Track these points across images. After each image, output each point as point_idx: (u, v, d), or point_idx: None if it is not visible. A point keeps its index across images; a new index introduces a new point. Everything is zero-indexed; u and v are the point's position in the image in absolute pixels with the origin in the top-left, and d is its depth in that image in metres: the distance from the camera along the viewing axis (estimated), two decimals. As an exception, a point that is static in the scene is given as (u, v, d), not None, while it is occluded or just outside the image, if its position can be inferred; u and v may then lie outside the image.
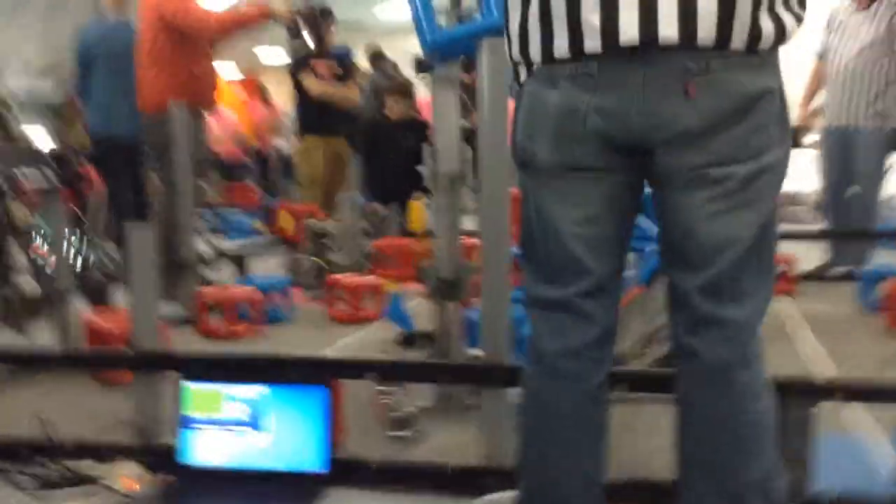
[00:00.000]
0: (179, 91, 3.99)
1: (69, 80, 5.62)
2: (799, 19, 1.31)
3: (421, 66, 2.42)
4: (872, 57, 4.36)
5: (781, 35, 1.29)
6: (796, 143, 6.14)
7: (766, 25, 1.27)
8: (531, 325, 1.46)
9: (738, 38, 1.26)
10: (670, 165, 1.30)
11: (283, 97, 13.89)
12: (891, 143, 4.41)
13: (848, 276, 4.22)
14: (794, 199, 6.90)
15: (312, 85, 5.16)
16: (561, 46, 1.32)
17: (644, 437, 2.15)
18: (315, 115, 5.18)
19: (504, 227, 2.01)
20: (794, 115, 6.22)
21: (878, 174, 4.45)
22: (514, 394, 2.07)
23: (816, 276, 4.45)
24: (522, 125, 1.41)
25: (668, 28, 1.25)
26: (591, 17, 1.28)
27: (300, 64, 5.23)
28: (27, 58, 14.16)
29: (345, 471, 1.98)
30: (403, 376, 2.24)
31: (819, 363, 2.90)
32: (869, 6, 4.41)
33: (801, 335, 3.30)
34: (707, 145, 1.27)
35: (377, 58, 7.72)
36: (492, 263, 2.00)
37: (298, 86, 5.22)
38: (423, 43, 2.24)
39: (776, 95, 1.31)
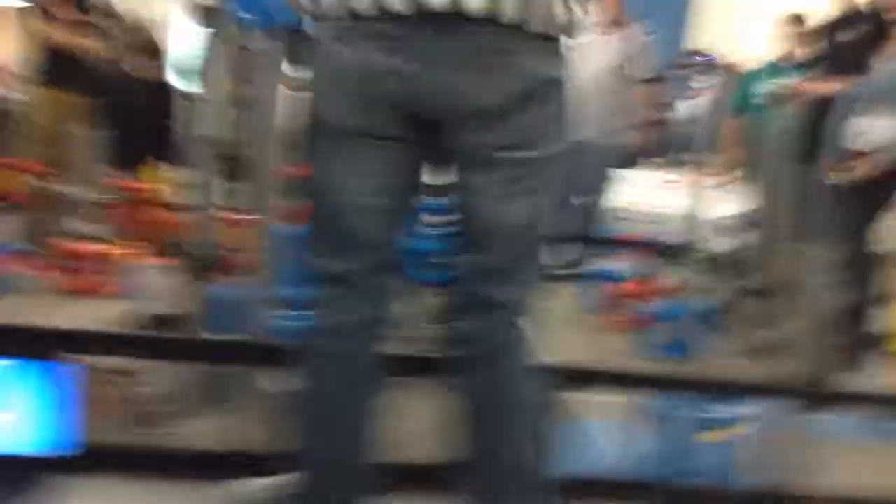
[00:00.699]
0: None
1: None
2: (580, 16, 1.39)
3: (210, 19, 2.27)
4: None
5: (573, 26, 1.35)
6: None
7: (561, 13, 1.32)
8: (314, 300, 1.44)
9: (539, 21, 1.30)
10: (462, 143, 1.32)
11: (8, 42, 12.57)
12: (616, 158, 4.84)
13: (570, 277, 4.55)
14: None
15: (42, 30, 4.71)
16: (364, 2, 1.28)
17: (409, 421, 2.19)
18: (49, 65, 4.73)
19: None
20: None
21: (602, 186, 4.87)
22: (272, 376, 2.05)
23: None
24: (315, 84, 1.36)
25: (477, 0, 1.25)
26: None
27: (34, 13, 4.76)
28: None
29: (88, 456, 1.83)
30: (149, 353, 2.10)
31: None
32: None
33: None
34: (499, 126, 1.30)
35: None
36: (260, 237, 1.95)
37: (29, 31, 4.74)
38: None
39: (563, 87, 1.37)
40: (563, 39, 1.36)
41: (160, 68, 5.38)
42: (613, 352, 3.23)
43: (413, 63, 1.27)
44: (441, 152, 1.36)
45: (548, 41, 1.32)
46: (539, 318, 1.42)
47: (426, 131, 1.33)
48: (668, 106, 6.70)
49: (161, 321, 2.76)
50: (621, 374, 2.17)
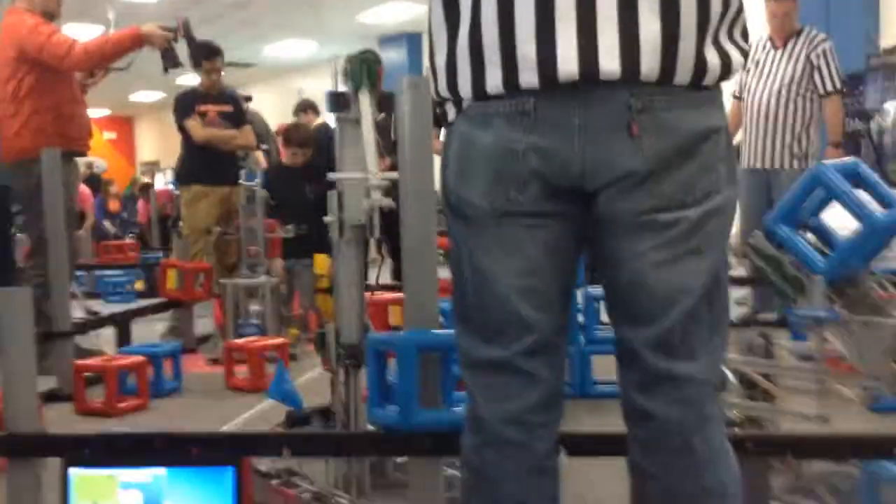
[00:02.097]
0: (47, 135, 3.90)
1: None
2: (744, 53, 1.36)
3: (337, 103, 2.39)
4: (790, 96, 4.60)
5: (727, 69, 1.32)
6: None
7: (712, 58, 1.30)
8: (467, 391, 1.44)
9: (683, 72, 1.28)
10: (614, 210, 1.31)
11: (154, 138, 13.67)
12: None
13: (778, 323, 4.35)
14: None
15: (197, 129, 5.10)
16: (494, 81, 1.32)
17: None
18: (202, 161, 5.12)
19: (431, 280, 2.00)
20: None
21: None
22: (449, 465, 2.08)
23: (742, 324, 4.53)
24: (453, 169, 1.40)
25: (610, 61, 1.25)
26: (527, 48, 1.28)
27: (185, 106, 5.16)
28: None
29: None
30: (336, 451, 2.17)
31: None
32: (785, 45, 4.66)
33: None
34: (652, 188, 1.28)
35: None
36: (416, 322, 1.99)
37: (183, 129, 5.15)
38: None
39: (722, 134, 1.34)
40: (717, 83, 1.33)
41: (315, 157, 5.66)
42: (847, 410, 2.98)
43: (552, 136, 1.28)
44: (593, 223, 1.35)
45: (698, 90, 1.30)
46: (728, 387, 1.37)
47: (575, 203, 1.33)
48: (869, 114, 6.36)
49: (308, 419, 2.81)
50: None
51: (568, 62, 1.26)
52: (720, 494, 1.34)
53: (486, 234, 1.37)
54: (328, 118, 6.89)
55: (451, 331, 1.49)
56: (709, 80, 1.30)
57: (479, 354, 1.41)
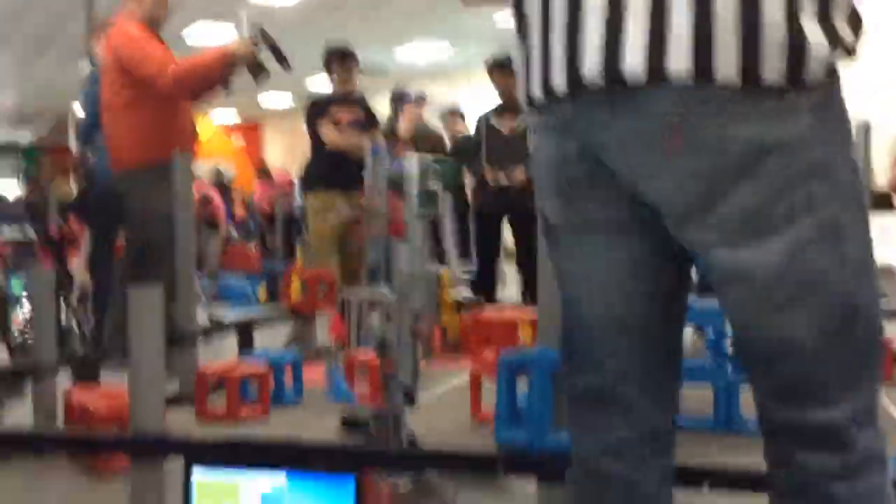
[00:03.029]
0: (155, 144, 4.03)
1: (51, 128, 5.77)
2: (847, 49, 1.13)
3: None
4: None
5: (801, 60, 1.07)
6: (888, 206, 6.12)
7: (776, 44, 1.06)
8: (569, 422, 1.38)
9: (727, 66, 1.07)
10: (687, 242, 1.17)
11: (283, 145, 14.14)
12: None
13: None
14: (887, 273, 6.84)
15: (331, 135, 5.21)
16: (535, 85, 1.24)
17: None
18: (332, 167, 5.22)
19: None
20: (883, 178, 6.24)
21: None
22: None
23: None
24: (535, 181, 1.33)
25: (634, 58, 1.10)
26: (557, 47, 1.18)
27: (318, 111, 5.29)
28: (2, 104, 14.48)
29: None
30: (462, 468, 2.18)
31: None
32: None
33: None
34: (705, 219, 1.12)
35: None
36: (550, 340, 1.98)
37: (314, 135, 5.28)
38: None
39: (800, 151, 1.10)
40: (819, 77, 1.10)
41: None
42: None
43: (606, 146, 1.17)
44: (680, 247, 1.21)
45: (760, 90, 1.08)
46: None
47: (649, 218, 1.20)
48: None
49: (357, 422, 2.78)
50: None
51: (590, 61, 1.13)
52: None
53: (569, 251, 1.30)
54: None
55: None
56: (770, 76, 1.07)
57: (573, 382, 1.35)
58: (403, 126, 5.69)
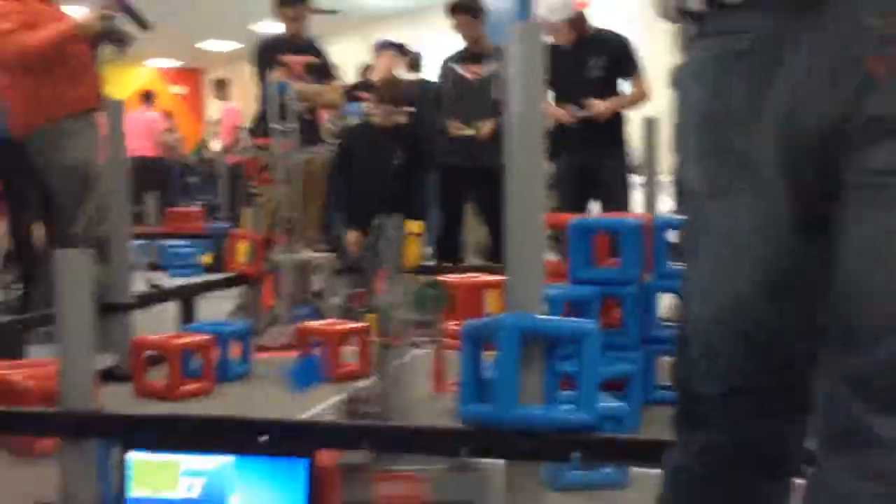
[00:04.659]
0: (56, 101, 4.25)
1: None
2: None
3: None
4: None
5: None
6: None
7: None
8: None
9: None
10: (848, 172, 1.04)
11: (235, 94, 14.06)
12: None
13: None
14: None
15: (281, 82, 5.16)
16: None
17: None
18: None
19: (537, 259, 2.00)
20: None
21: None
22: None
23: None
24: (674, 133, 1.24)
25: None
26: None
27: (264, 57, 5.24)
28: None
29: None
30: (423, 447, 2.19)
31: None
32: None
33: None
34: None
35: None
36: (519, 307, 1.99)
37: (263, 83, 5.23)
38: None
39: None
40: None
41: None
42: None
43: (776, 79, 1.07)
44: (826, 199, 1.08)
45: None
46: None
47: (815, 178, 1.08)
48: None
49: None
50: None
51: None
52: None
53: (707, 222, 1.19)
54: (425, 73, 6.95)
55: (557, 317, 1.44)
56: None
57: (685, 384, 1.28)
58: (375, 74, 5.69)
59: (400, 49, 7.17)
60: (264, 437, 2.04)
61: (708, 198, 1.17)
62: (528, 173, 1.97)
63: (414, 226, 5.10)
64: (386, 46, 7.05)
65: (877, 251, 1.00)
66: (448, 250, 5.61)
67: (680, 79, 1.21)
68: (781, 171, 1.09)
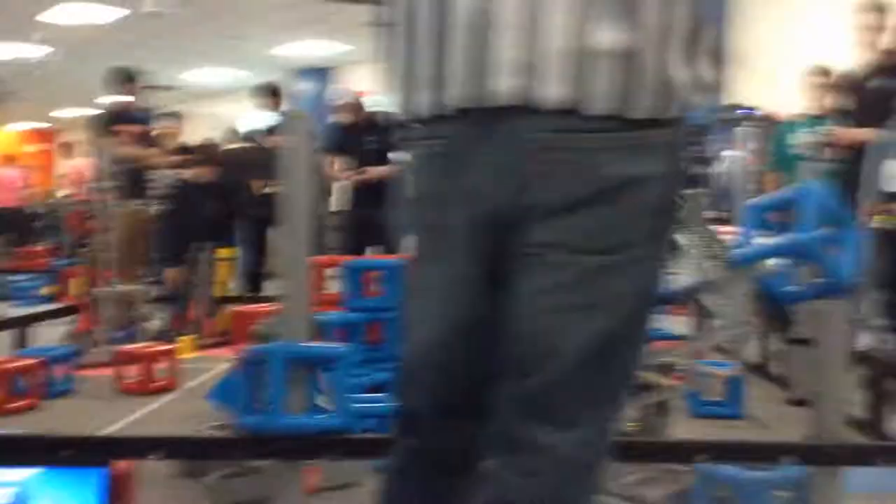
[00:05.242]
0: None
1: None
2: (709, 88, 1.05)
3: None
4: None
5: (667, 99, 1.00)
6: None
7: (646, 84, 0.98)
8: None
9: (603, 99, 0.97)
10: (515, 244, 1.05)
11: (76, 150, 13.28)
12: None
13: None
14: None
15: (114, 148, 4.97)
16: (398, 104, 1.12)
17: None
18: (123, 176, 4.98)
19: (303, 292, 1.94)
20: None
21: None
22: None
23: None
24: (402, 198, 1.24)
25: (502, 80, 0.99)
26: (423, 65, 1.06)
27: (101, 126, 5.11)
28: None
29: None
30: (203, 454, 2.06)
31: None
32: None
33: None
34: (551, 223, 1.02)
35: None
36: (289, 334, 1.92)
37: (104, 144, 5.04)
38: None
39: (655, 183, 1.02)
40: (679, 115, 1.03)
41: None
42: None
43: (472, 167, 1.06)
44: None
45: (625, 125, 0.99)
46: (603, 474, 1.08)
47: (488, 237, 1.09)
48: (709, 161, 6.58)
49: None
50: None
51: (455, 82, 1.02)
52: None
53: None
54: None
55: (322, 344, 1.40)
56: (637, 110, 0.98)
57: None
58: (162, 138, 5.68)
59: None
60: (67, 451, 1.86)
61: (420, 258, 1.18)
62: (295, 215, 1.94)
63: (226, 252, 5.01)
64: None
65: (534, 304, 1.03)
66: (256, 281, 5.50)
67: (405, 170, 1.23)
68: (469, 242, 1.10)
